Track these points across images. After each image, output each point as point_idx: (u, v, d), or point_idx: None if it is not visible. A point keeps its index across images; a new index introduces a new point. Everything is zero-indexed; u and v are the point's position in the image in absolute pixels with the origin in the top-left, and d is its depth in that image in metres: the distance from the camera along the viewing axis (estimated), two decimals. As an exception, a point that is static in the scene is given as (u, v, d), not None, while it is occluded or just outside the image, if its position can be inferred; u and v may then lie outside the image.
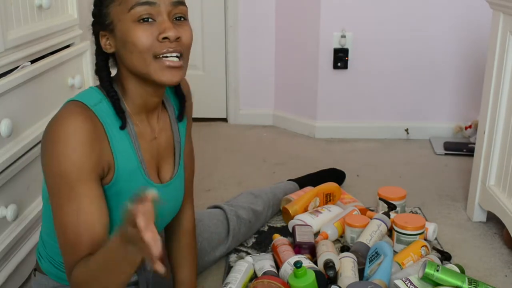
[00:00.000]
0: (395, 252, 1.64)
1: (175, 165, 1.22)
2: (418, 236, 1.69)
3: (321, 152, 2.65)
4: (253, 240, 1.79)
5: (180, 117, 1.23)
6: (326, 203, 1.97)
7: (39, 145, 1.50)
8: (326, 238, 1.73)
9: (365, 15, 2.70)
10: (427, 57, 2.74)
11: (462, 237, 1.83)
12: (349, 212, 1.84)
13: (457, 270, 1.49)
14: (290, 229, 1.80)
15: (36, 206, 1.51)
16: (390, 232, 1.76)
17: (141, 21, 1.01)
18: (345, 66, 2.76)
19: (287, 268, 1.50)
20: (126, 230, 0.82)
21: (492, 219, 1.89)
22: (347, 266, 1.52)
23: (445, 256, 1.67)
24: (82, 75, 1.90)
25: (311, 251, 1.63)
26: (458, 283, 1.37)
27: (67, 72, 1.77)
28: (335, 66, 2.76)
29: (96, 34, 1.10)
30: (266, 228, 1.87)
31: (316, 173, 2.20)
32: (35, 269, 1.25)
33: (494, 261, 1.69)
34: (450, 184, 2.26)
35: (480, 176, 1.88)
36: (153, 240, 0.78)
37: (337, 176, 2.21)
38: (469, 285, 1.37)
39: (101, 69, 1.10)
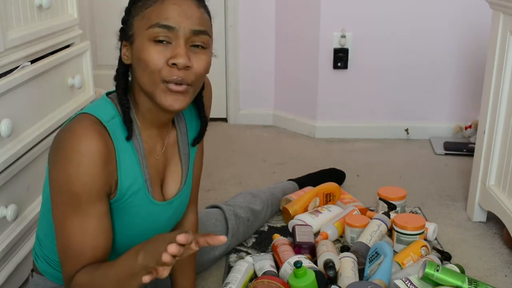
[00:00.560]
0: (395, 252, 1.64)
1: (182, 180, 1.21)
2: (418, 236, 1.69)
3: (321, 152, 2.65)
4: (253, 240, 1.79)
5: (196, 141, 1.22)
6: (326, 203, 1.97)
7: (39, 145, 1.51)
8: (326, 238, 1.73)
9: (365, 15, 2.70)
10: (427, 57, 2.74)
11: (462, 237, 1.83)
12: (349, 212, 1.84)
13: (457, 270, 1.49)
14: (290, 229, 1.80)
15: (36, 206, 1.51)
16: (390, 232, 1.76)
17: (157, 41, 1.00)
18: (345, 66, 2.76)
19: (287, 268, 1.50)
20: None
21: (492, 219, 1.89)
22: (347, 266, 1.52)
23: (445, 256, 1.67)
24: (82, 75, 1.90)
25: (311, 251, 1.63)
26: (458, 283, 1.37)
27: (67, 72, 1.77)
28: (335, 66, 2.77)
29: (121, 41, 1.08)
30: (266, 228, 1.87)
31: (316, 173, 2.20)
32: (32, 270, 1.25)
33: (494, 261, 1.69)
34: (450, 184, 2.26)
35: (480, 176, 1.88)
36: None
37: (337, 176, 2.21)
38: (469, 285, 1.37)
39: (119, 76, 1.08)
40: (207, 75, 1.10)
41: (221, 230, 1.66)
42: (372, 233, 1.67)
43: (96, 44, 2.95)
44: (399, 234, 1.70)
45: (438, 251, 1.71)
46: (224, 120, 3.12)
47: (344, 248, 1.69)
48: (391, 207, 1.86)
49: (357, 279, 1.50)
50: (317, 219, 1.83)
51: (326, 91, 2.82)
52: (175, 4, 1.00)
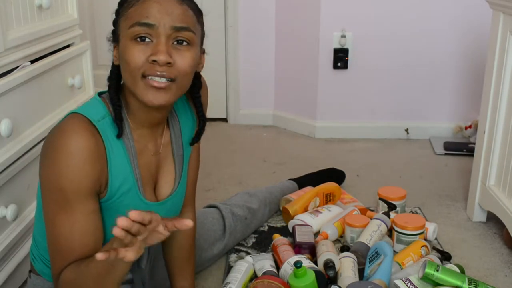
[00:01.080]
0: (395, 252, 1.64)
1: (175, 181, 1.21)
2: (418, 236, 1.69)
3: (321, 152, 2.65)
4: (253, 240, 1.79)
5: (194, 141, 1.22)
6: (326, 203, 1.97)
7: (39, 145, 1.51)
8: (326, 238, 1.73)
9: (365, 15, 2.70)
10: (427, 57, 2.74)
11: (462, 237, 1.83)
12: (349, 212, 1.84)
13: (457, 270, 1.49)
14: (290, 229, 1.80)
15: (36, 206, 1.51)
16: (390, 232, 1.76)
17: (138, 40, 1.00)
18: (345, 66, 2.76)
19: (287, 268, 1.50)
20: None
21: (492, 219, 1.89)
22: (347, 266, 1.52)
23: (445, 256, 1.67)
24: (82, 75, 1.90)
25: (311, 251, 1.63)
26: (458, 283, 1.37)
27: (67, 72, 1.77)
28: (335, 66, 2.76)
29: (112, 43, 1.09)
30: (266, 228, 1.87)
31: (315, 173, 2.20)
32: (30, 271, 1.25)
33: (494, 261, 1.69)
34: (450, 184, 2.26)
35: (480, 176, 1.88)
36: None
37: (336, 176, 2.21)
38: (469, 285, 1.37)
39: (112, 77, 1.09)
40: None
41: (218, 228, 1.66)
42: (372, 233, 1.67)
43: (96, 44, 2.95)
44: (399, 234, 1.70)
45: (438, 251, 1.71)
46: (224, 120, 3.12)
47: (344, 248, 1.69)
48: (391, 207, 1.86)
49: (357, 279, 1.50)
50: (317, 219, 1.83)
51: (326, 91, 2.82)
52: (156, 2, 1.00)
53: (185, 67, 1.02)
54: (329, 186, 2.00)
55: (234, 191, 2.06)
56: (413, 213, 1.97)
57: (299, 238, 1.67)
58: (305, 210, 1.90)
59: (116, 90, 1.08)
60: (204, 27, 1.12)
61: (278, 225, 1.89)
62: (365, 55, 2.75)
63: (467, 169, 2.21)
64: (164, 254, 1.35)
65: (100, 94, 1.11)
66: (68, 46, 1.84)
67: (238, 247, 1.74)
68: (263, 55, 2.98)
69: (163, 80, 1.00)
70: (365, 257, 1.59)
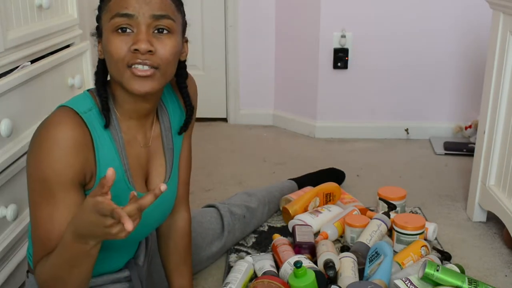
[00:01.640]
0: (395, 252, 1.64)
1: (166, 174, 1.21)
2: (418, 236, 1.69)
3: (321, 152, 2.65)
4: (253, 240, 1.79)
5: (182, 130, 1.22)
6: (326, 203, 1.97)
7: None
8: (326, 238, 1.73)
9: (365, 15, 2.70)
10: (427, 57, 2.74)
11: (462, 237, 1.83)
12: (349, 212, 1.84)
13: (457, 270, 1.49)
14: (290, 229, 1.80)
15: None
16: (390, 232, 1.76)
17: (119, 31, 1.02)
18: (345, 66, 2.76)
19: (287, 268, 1.50)
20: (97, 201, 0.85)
21: (492, 219, 1.89)
22: (347, 266, 1.52)
23: (445, 256, 1.67)
24: (82, 75, 1.90)
25: (311, 251, 1.63)
26: (458, 283, 1.37)
27: (67, 72, 1.77)
28: (335, 66, 2.77)
29: (96, 38, 1.12)
30: (266, 228, 1.87)
31: (315, 172, 2.20)
32: (27, 271, 1.24)
33: (494, 261, 1.69)
34: (450, 184, 2.26)
35: (480, 176, 1.88)
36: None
37: (336, 176, 2.21)
38: (469, 285, 1.37)
39: (98, 71, 1.11)
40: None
41: (217, 227, 1.66)
42: (372, 233, 1.67)
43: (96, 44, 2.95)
44: (399, 234, 1.70)
45: (438, 251, 1.71)
46: (224, 120, 3.12)
47: (344, 248, 1.69)
48: (391, 207, 1.86)
49: (357, 279, 1.50)
50: (317, 219, 1.83)
51: (326, 91, 2.82)
52: None
53: (167, 54, 1.04)
54: (329, 186, 2.00)
55: (234, 191, 2.06)
56: (413, 213, 1.97)
57: (299, 238, 1.67)
58: (305, 210, 1.90)
59: (103, 83, 1.10)
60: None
61: (278, 225, 1.89)
62: (365, 55, 2.75)
63: (467, 169, 2.21)
64: (161, 255, 1.35)
65: (88, 90, 1.14)
66: (68, 46, 1.84)
67: (238, 247, 1.74)
68: (263, 55, 2.98)
69: (146, 68, 1.02)
70: (365, 257, 1.59)
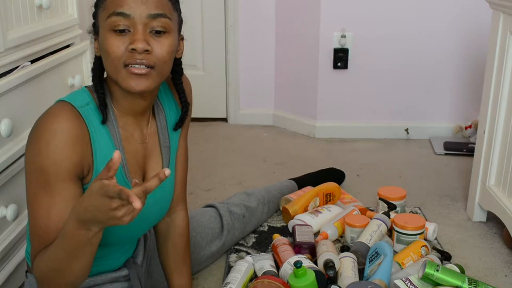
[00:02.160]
0: (395, 252, 1.64)
1: None
2: (418, 236, 1.69)
3: (321, 152, 2.65)
4: (253, 240, 1.79)
5: (178, 125, 1.23)
6: (326, 203, 1.97)
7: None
8: (326, 238, 1.73)
9: (365, 15, 2.70)
10: (427, 57, 2.74)
11: (462, 237, 1.83)
12: (349, 212, 1.84)
13: (457, 270, 1.49)
14: (290, 229, 1.80)
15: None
16: (390, 232, 1.76)
17: (117, 31, 1.02)
18: (345, 66, 2.76)
19: (287, 268, 1.50)
20: (104, 183, 0.84)
21: (492, 219, 1.89)
22: (347, 266, 1.52)
23: (445, 256, 1.67)
24: (82, 75, 1.90)
25: (311, 251, 1.63)
26: (458, 283, 1.37)
27: (67, 72, 1.77)
28: (335, 66, 2.77)
29: (93, 35, 1.13)
30: (266, 228, 1.87)
31: (315, 172, 2.20)
32: (26, 271, 1.24)
33: (494, 261, 1.69)
34: (450, 184, 2.26)
35: (480, 176, 1.88)
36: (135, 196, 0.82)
37: (336, 176, 2.21)
38: (469, 285, 1.37)
39: (95, 69, 1.12)
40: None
41: (216, 226, 1.66)
42: (372, 233, 1.67)
43: (96, 44, 2.95)
44: (399, 234, 1.70)
45: (438, 251, 1.71)
46: (224, 120, 3.12)
47: (344, 248, 1.69)
48: (391, 207, 1.86)
49: (357, 279, 1.50)
50: (317, 219, 1.83)
51: (326, 91, 2.82)
52: None
53: (163, 54, 1.05)
54: (329, 186, 2.00)
55: (234, 191, 2.06)
56: (413, 213, 1.97)
57: (299, 238, 1.67)
58: (305, 210, 1.90)
59: (100, 79, 1.11)
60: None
61: (278, 225, 1.89)
62: (365, 55, 2.75)
63: (467, 169, 2.21)
64: (160, 254, 1.35)
65: (87, 86, 1.14)
66: (68, 46, 1.84)
67: (238, 247, 1.74)
68: (263, 55, 2.98)
69: (143, 66, 1.03)
70: (365, 257, 1.59)
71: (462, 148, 2.61)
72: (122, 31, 1.02)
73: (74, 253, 0.95)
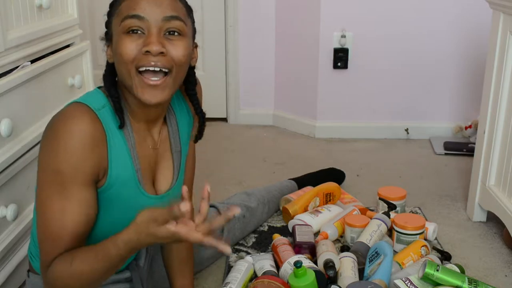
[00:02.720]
0: (395, 252, 1.64)
1: (173, 177, 1.21)
2: (418, 236, 1.69)
3: (321, 152, 2.65)
4: (253, 240, 1.79)
5: (197, 138, 1.23)
6: (326, 203, 1.97)
7: (39, 146, 1.51)
8: (326, 238, 1.73)
9: (365, 15, 2.70)
10: (427, 57, 2.74)
11: (462, 237, 1.83)
12: (349, 212, 1.84)
13: (457, 270, 1.49)
14: (290, 229, 1.80)
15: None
16: (390, 232, 1.76)
17: (130, 32, 1.01)
18: (345, 66, 2.76)
19: (287, 268, 1.50)
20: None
21: (492, 219, 1.89)
22: (347, 266, 1.52)
23: (445, 256, 1.67)
24: (82, 75, 1.90)
25: (311, 251, 1.63)
26: (458, 283, 1.37)
27: (67, 72, 1.77)
28: (335, 66, 2.77)
29: (106, 44, 1.11)
30: (266, 228, 1.87)
31: (315, 172, 2.20)
32: (28, 270, 1.24)
33: (494, 261, 1.69)
34: (450, 184, 2.26)
35: (480, 176, 1.88)
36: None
37: (336, 176, 2.21)
38: (469, 285, 1.37)
39: (107, 75, 1.10)
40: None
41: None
42: (372, 233, 1.67)
43: (96, 44, 2.93)
44: (399, 234, 1.70)
45: (438, 251, 1.71)
46: (224, 120, 3.12)
47: (344, 248, 1.69)
48: (391, 207, 1.86)
49: (357, 279, 1.50)
50: (317, 219, 1.83)
51: (326, 91, 2.82)
52: None
53: (179, 55, 1.03)
54: (329, 186, 2.00)
55: (234, 191, 2.06)
56: (413, 213, 1.97)
57: (299, 238, 1.67)
58: (305, 210, 1.90)
59: (112, 83, 1.10)
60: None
61: (278, 225, 1.89)
62: (365, 55, 2.75)
63: (467, 169, 2.21)
64: (163, 255, 1.35)
65: (100, 87, 1.13)
66: (68, 46, 1.84)
67: (238, 247, 1.74)
68: (263, 55, 2.98)
69: (157, 75, 1.01)
70: (365, 257, 1.59)
71: (462, 148, 2.61)
72: (135, 32, 1.01)
73: (113, 270, 0.97)
